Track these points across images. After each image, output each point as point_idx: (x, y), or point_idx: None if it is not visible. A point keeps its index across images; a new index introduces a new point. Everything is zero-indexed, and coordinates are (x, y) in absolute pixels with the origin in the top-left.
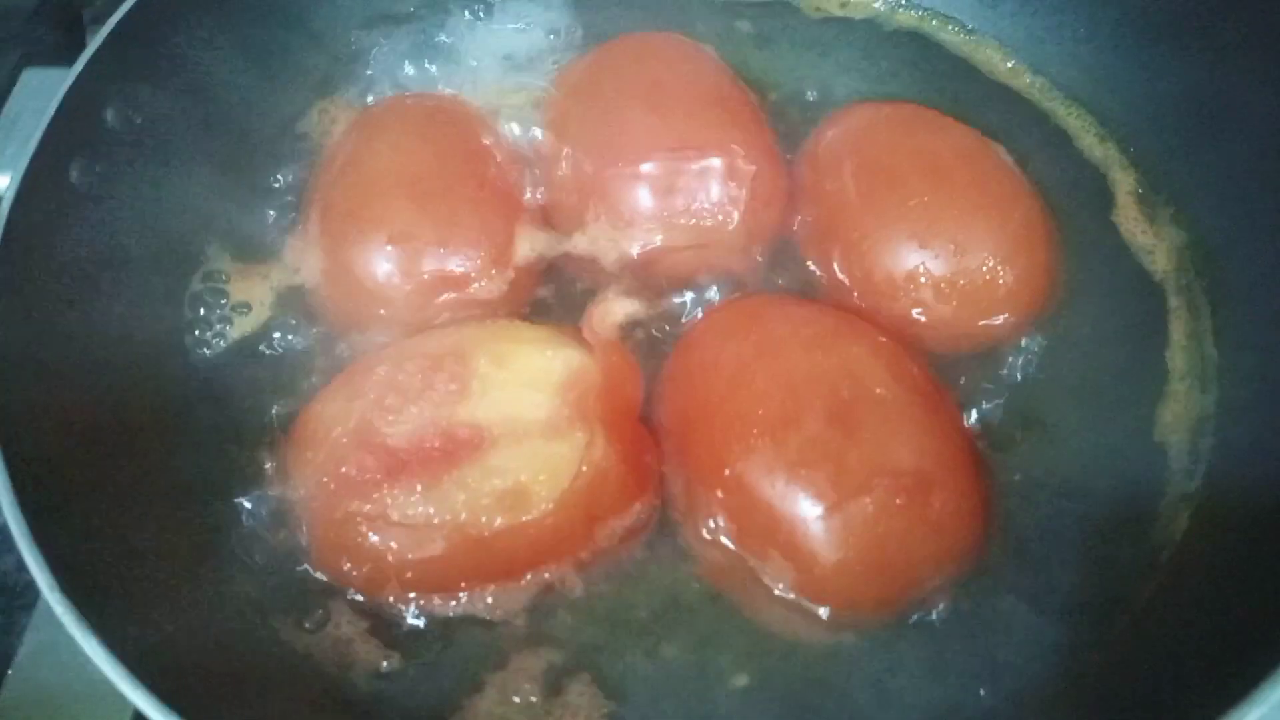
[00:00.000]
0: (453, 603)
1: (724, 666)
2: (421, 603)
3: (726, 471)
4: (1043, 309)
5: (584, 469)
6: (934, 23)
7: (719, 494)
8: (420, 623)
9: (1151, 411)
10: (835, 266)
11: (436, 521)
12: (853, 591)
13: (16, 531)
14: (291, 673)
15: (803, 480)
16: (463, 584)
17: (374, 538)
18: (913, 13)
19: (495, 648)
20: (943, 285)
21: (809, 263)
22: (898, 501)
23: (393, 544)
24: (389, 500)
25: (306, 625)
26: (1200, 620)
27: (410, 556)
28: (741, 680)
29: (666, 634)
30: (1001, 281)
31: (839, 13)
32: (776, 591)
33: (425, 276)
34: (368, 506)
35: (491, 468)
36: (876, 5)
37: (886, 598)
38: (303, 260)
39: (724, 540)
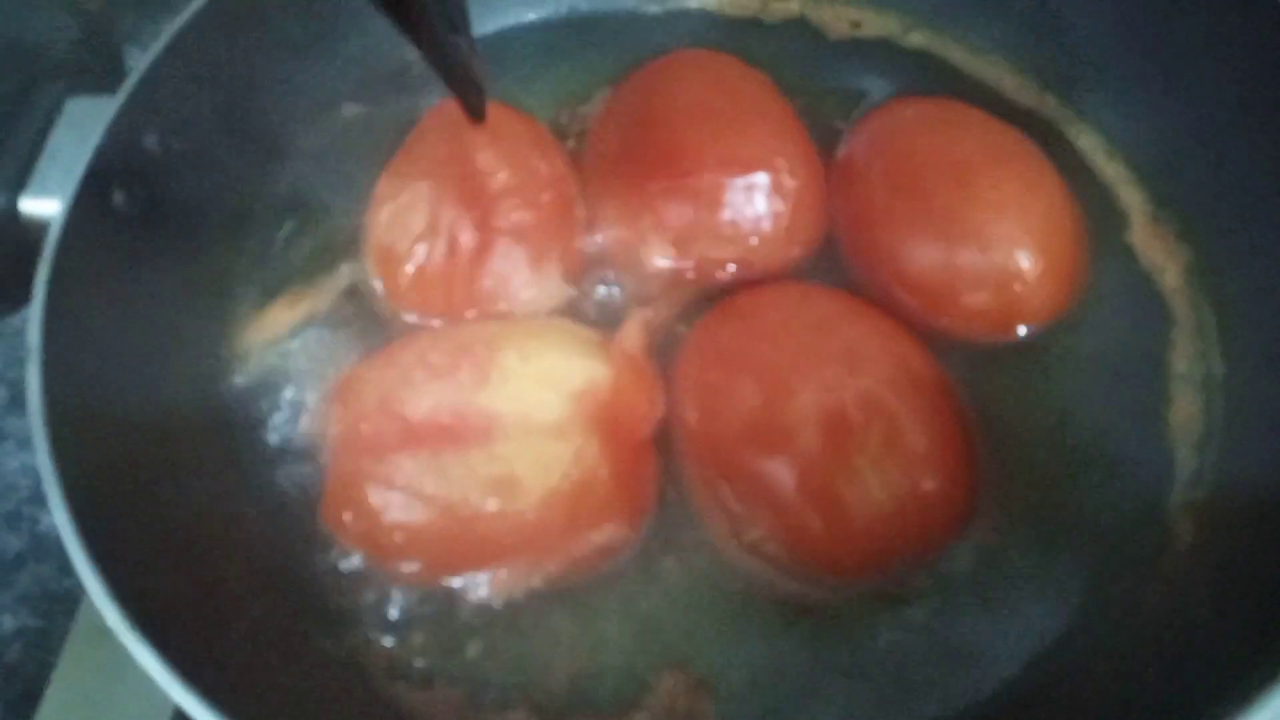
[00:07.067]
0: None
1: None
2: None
3: (730, 459)
4: (1070, 301)
5: (572, 473)
6: (944, 43)
7: (726, 482)
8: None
9: (1158, 423)
10: (871, 266)
11: (433, 493)
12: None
13: (68, 539)
14: (334, 679)
15: (796, 461)
16: (447, 564)
17: (375, 496)
18: (923, 33)
19: None
20: (969, 281)
21: (849, 264)
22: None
23: (390, 506)
24: (395, 465)
25: (346, 633)
26: (1204, 629)
27: (404, 521)
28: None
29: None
30: (1028, 275)
31: (851, 33)
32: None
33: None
34: (377, 466)
35: (494, 454)
36: (890, 26)
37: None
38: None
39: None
